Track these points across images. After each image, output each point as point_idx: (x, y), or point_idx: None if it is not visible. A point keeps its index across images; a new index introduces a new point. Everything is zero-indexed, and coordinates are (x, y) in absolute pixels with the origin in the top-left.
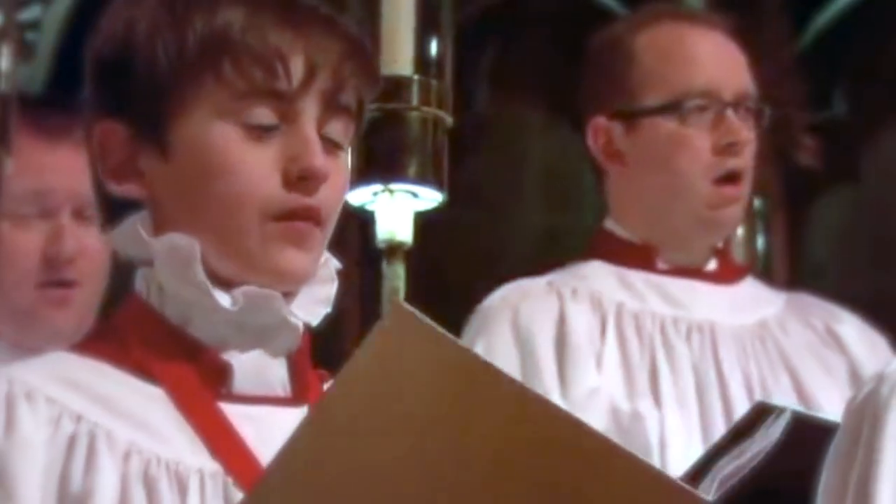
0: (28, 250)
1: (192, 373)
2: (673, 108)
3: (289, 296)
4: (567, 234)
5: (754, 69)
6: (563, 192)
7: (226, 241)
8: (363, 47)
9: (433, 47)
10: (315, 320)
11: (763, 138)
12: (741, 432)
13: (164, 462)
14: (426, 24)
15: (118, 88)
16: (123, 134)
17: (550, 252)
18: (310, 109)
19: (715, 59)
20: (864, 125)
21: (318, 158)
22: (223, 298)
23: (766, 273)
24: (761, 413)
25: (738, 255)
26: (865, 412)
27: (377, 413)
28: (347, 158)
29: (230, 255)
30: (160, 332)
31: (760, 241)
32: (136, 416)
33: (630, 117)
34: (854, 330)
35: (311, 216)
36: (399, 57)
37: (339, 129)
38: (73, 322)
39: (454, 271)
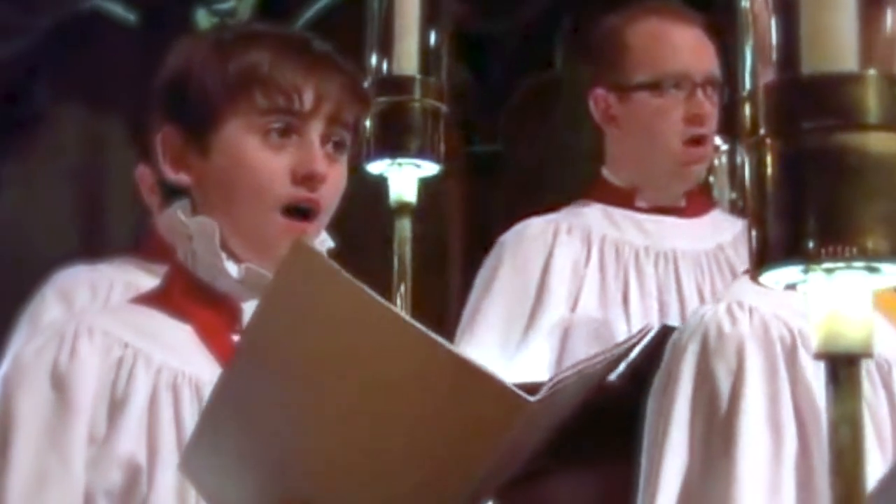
0: None
1: (215, 315)
2: (655, 85)
3: None
4: None
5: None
6: None
7: (244, 227)
8: (358, 81)
9: (433, 48)
10: None
11: (723, 109)
12: (648, 352)
13: (187, 376)
14: (428, 30)
15: (177, 103)
16: (178, 135)
17: None
18: (316, 128)
19: (689, 49)
20: None
21: (320, 164)
22: (231, 268)
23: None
24: (665, 334)
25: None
26: (674, 353)
27: (290, 345)
28: (345, 162)
29: (244, 238)
30: (193, 285)
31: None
32: (169, 344)
33: (623, 90)
34: None
35: (312, 207)
36: (405, 59)
37: (338, 140)
38: None
39: (538, 197)
